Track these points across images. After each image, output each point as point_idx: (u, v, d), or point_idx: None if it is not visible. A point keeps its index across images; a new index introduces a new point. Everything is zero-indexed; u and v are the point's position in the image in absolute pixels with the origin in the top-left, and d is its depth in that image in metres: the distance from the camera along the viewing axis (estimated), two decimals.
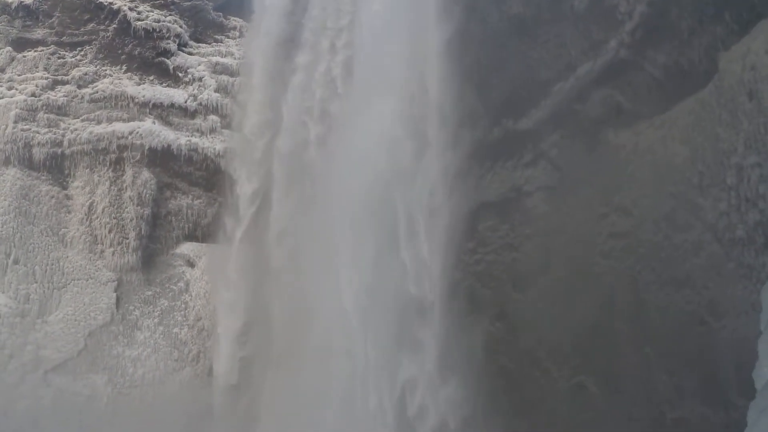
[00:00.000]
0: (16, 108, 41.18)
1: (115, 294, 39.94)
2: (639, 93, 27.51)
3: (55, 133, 41.41)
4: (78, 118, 42.14)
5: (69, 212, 41.19)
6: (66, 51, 43.44)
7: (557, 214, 30.38)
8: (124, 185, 41.15)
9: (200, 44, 45.19)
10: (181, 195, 42.29)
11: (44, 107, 41.74)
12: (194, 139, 42.15)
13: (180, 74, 43.65)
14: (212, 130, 42.66)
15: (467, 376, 29.93)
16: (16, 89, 42.07)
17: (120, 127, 41.67)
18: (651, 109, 26.85)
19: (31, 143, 40.91)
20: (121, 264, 40.58)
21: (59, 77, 42.80)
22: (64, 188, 41.55)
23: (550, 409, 29.46)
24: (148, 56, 43.45)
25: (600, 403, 27.69)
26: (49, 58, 43.06)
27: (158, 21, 43.33)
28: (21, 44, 43.25)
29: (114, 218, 40.83)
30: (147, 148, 41.28)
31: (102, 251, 40.74)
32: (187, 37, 44.58)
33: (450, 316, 31.30)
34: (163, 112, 42.61)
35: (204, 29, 45.67)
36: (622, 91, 28.12)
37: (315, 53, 38.09)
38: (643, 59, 26.98)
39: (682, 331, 24.47)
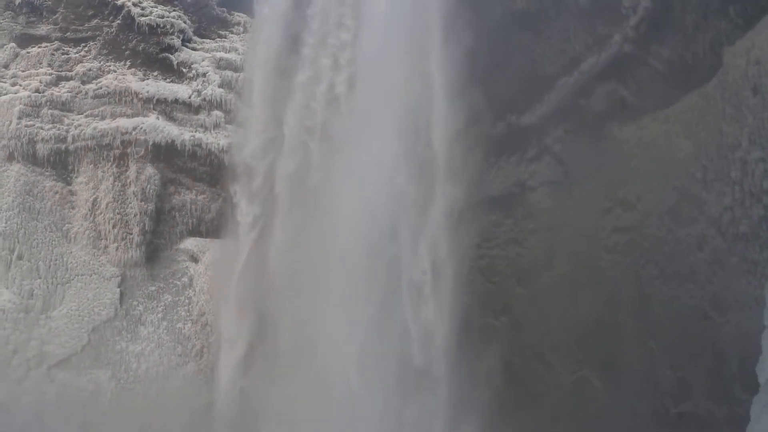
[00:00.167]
0: (20, 104, 41.10)
1: (118, 289, 39.89)
2: (643, 87, 27.55)
3: (59, 129, 41.34)
4: (82, 113, 42.05)
5: (73, 208, 41.14)
6: (70, 47, 43.36)
7: (561, 209, 30.44)
8: (128, 181, 41.09)
9: (204, 40, 45.10)
10: (185, 190, 42.25)
11: (48, 103, 41.66)
12: (198, 135, 42.08)
13: (184, 70, 43.59)
14: (216, 126, 42.61)
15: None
16: (20, 85, 41.99)
17: (124, 122, 41.61)
18: (655, 104, 26.88)
19: (35, 139, 40.83)
20: (125, 259, 40.53)
21: (63, 73, 42.71)
22: (68, 184, 41.47)
23: (554, 403, 29.52)
24: (152, 52, 43.37)
25: (604, 398, 27.75)
26: (53, 54, 42.99)
27: (162, 17, 43.26)
28: (25, 40, 43.17)
29: (118, 214, 40.78)
30: (151, 143, 41.19)
31: (106, 247, 40.70)
32: (191, 33, 44.50)
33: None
34: (167, 107, 42.53)
35: (208, 25, 45.60)
36: (627, 86, 28.16)
37: (315, 70, 37.73)
38: (647, 54, 27.00)
39: (686, 326, 24.49)
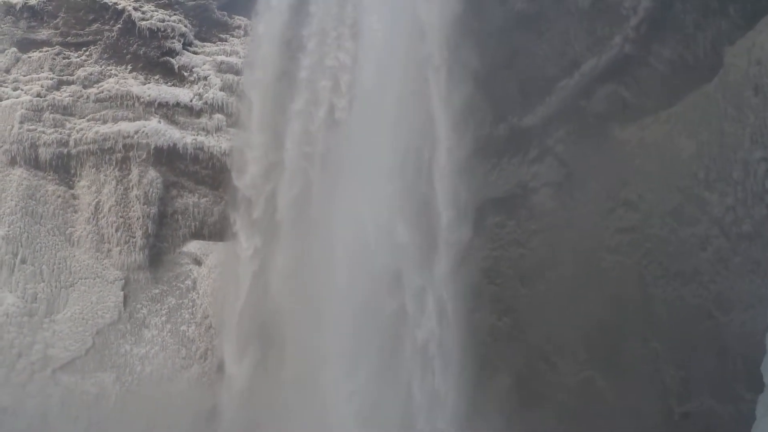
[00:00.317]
0: (22, 108, 41.21)
1: (122, 292, 40.01)
2: (644, 88, 27.57)
3: (60, 133, 41.44)
4: (84, 117, 42.16)
5: (75, 211, 41.25)
6: (71, 51, 43.44)
7: (564, 210, 30.46)
8: (131, 184, 41.22)
9: (205, 43, 45.18)
10: (187, 193, 42.36)
11: (50, 107, 41.76)
12: (200, 138, 42.21)
13: (185, 73, 43.70)
14: (218, 129, 42.72)
15: None
16: (22, 90, 42.08)
17: (126, 126, 41.71)
18: (656, 104, 26.91)
19: (37, 143, 40.93)
20: (128, 263, 40.65)
21: (64, 77, 42.81)
22: (71, 188, 41.59)
23: (558, 403, 29.52)
24: (153, 56, 43.48)
25: (608, 397, 27.76)
26: (54, 59, 43.08)
27: (163, 21, 43.35)
28: (26, 45, 43.25)
29: (120, 217, 40.91)
30: (153, 147, 41.31)
31: (109, 250, 40.82)
32: (191, 37, 44.59)
33: None
34: (168, 111, 42.64)
35: (209, 28, 45.65)
36: (628, 87, 28.16)
37: (313, 93, 37.56)
38: (648, 54, 27.02)
39: (690, 326, 24.53)
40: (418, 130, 31.95)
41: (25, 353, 37.38)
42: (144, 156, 41.29)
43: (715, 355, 23.56)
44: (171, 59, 43.65)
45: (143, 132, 41.46)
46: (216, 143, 42.32)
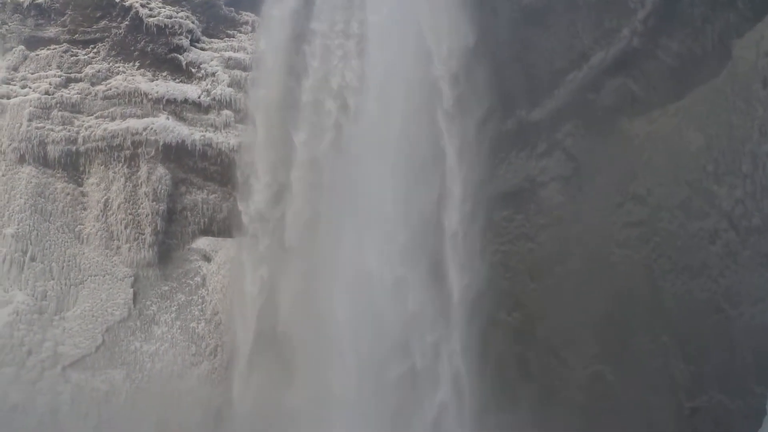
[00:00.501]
0: (30, 106, 41.16)
1: (132, 289, 39.95)
2: (652, 81, 27.51)
3: (69, 131, 41.38)
4: (92, 115, 42.08)
5: (85, 209, 41.21)
6: (79, 48, 43.38)
7: (572, 204, 30.42)
8: (139, 181, 41.14)
9: (213, 39, 45.05)
10: (196, 190, 42.28)
11: (58, 105, 41.71)
12: (208, 134, 42.10)
13: (193, 70, 43.59)
14: (226, 125, 42.61)
15: None
16: (30, 87, 42.04)
17: (134, 123, 41.63)
18: (665, 98, 26.87)
19: (46, 141, 40.88)
20: (138, 260, 40.59)
21: (72, 75, 42.74)
22: (80, 185, 41.53)
23: (567, 398, 29.53)
24: (161, 52, 43.37)
25: (617, 392, 27.75)
26: (62, 56, 43.04)
27: (170, 17, 43.23)
28: (34, 43, 43.22)
29: (129, 214, 40.85)
30: (161, 143, 41.19)
31: (118, 247, 40.78)
32: (199, 33, 44.47)
33: None
34: (176, 107, 42.53)
35: (216, 24, 45.54)
36: (636, 80, 28.12)
37: (318, 116, 36.65)
38: (656, 47, 26.96)
39: (699, 320, 24.50)
40: (424, 179, 31.71)
41: (35, 351, 37.39)
42: (153, 153, 41.20)
43: (725, 350, 23.53)
44: (179, 56, 43.53)
45: (152, 129, 41.37)
46: (224, 139, 42.22)
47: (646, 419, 26.05)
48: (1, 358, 36.56)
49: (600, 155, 29.11)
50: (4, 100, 41.35)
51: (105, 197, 41.09)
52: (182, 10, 43.81)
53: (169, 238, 41.46)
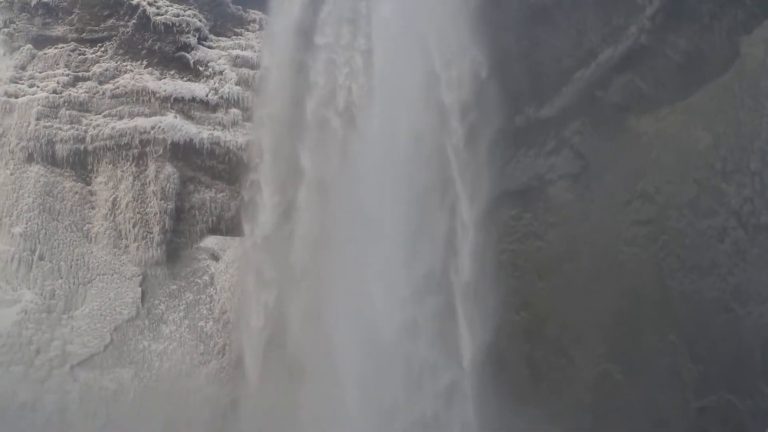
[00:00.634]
0: (38, 105, 41.24)
1: (140, 288, 39.98)
2: (660, 79, 27.43)
3: (77, 130, 41.45)
4: (100, 113, 42.16)
5: (93, 208, 41.26)
6: (86, 47, 43.47)
7: (580, 202, 30.35)
8: (147, 180, 41.18)
9: (220, 38, 45.14)
10: (204, 188, 42.32)
11: (66, 104, 41.78)
12: (216, 133, 42.13)
13: (200, 68, 43.66)
14: (234, 123, 42.64)
15: None
16: (38, 86, 42.13)
17: (142, 122, 41.68)
18: (673, 95, 26.79)
19: (54, 140, 40.95)
20: (146, 258, 40.62)
21: (80, 73, 42.83)
22: (88, 184, 41.58)
23: (575, 396, 29.44)
24: (169, 51, 43.44)
25: (625, 391, 27.67)
26: (69, 55, 43.12)
27: (177, 15, 43.29)
28: (41, 41, 43.31)
29: (138, 213, 40.89)
30: (169, 142, 41.22)
31: (126, 246, 40.82)
32: (206, 31, 44.54)
33: None
34: (184, 106, 42.59)
35: (223, 23, 45.64)
36: (644, 77, 28.04)
37: (324, 126, 36.03)
38: (663, 44, 26.88)
39: (708, 318, 24.41)
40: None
41: (43, 350, 37.40)
42: (160, 151, 41.25)
43: (733, 348, 23.44)
44: (186, 54, 43.59)
45: (159, 127, 41.41)
46: (232, 138, 42.25)
47: (654, 418, 25.97)
48: (10, 357, 36.53)
49: (608, 153, 29.04)
50: (12, 99, 41.47)
51: (113, 196, 41.14)
52: (189, 9, 43.92)
53: (178, 237, 41.50)
